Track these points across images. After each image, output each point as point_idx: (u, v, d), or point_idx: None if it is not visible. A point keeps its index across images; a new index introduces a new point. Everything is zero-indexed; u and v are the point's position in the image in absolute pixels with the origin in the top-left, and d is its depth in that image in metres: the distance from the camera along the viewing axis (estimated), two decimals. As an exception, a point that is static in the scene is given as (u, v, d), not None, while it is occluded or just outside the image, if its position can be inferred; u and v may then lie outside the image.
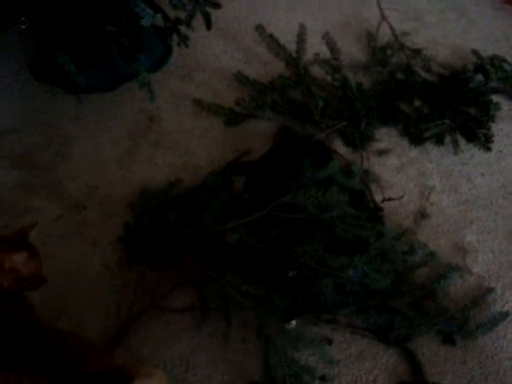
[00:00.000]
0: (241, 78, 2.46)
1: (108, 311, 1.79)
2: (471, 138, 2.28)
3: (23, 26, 2.10)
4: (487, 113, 2.32)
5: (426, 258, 1.89)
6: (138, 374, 1.05)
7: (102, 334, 1.73)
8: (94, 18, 2.09)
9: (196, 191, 2.01)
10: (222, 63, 2.62)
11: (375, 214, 1.96)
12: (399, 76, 2.54)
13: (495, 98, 2.41)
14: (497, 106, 2.35)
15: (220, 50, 2.68)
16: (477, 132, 2.27)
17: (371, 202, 2.02)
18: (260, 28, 2.38)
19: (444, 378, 1.68)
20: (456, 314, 1.76)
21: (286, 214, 1.76)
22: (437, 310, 1.76)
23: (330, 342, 1.71)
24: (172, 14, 2.22)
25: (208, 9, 2.16)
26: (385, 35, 2.70)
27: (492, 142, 2.24)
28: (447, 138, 2.29)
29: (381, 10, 2.77)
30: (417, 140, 2.30)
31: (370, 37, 2.70)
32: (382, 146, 2.28)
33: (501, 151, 2.29)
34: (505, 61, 2.52)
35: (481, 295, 1.83)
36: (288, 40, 2.40)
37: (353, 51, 2.67)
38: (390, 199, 2.03)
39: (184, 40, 2.42)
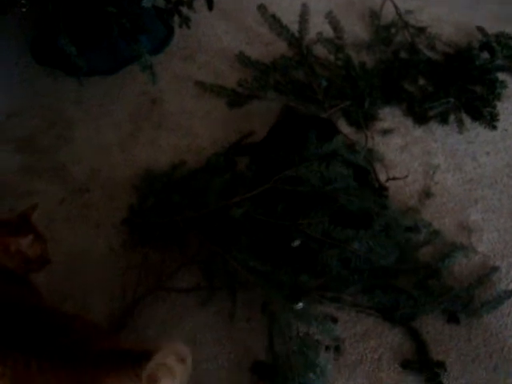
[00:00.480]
0: (243, 59, 2.44)
1: (113, 293, 1.80)
2: (476, 116, 2.27)
3: (23, 9, 2.08)
4: (493, 91, 2.30)
5: (431, 237, 1.88)
6: (157, 351, 1.05)
7: (107, 315, 1.74)
8: (95, 0, 2.08)
9: (199, 173, 2.01)
10: (224, 44, 2.59)
11: (380, 193, 1.95)
12: (403, 55, 2.51)
13: (501, 75, 2.38)
14: (503, 83, 2.32)
15: (222, 30, 2.66)
16: (482, 110, 2.26)
17: (376, 182, 2.01)
18: (262, 8, 2.35)
19: (448, 356, 1.68)
20: (461, 292, 1.76)
21: (290, 186, 1.75)
22: (441, 289, 1.76)
23: (335, 320, 1.71)
24: (173, -6, 2.20)
25: (209, -11, 2.14)
26: (388, 13, 2.66)
27: (497, 120, 2.23)
28: (452, 117, 2.27)
29: (384, -13, 2.73)
30: (421, 119, 2.28)
31: (374, 15, 2.66)
32: (385, 125, 2.27)
33: (506, 130, 2.27)
34: (511, 38, 2.48)
35: (485, 274, 1.83)
36: (290, 20, 2.37)
37: (356, 30, 2.64)
38: (394, 178, 2.02)
39: (185, 21, 2.40)
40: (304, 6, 2.35)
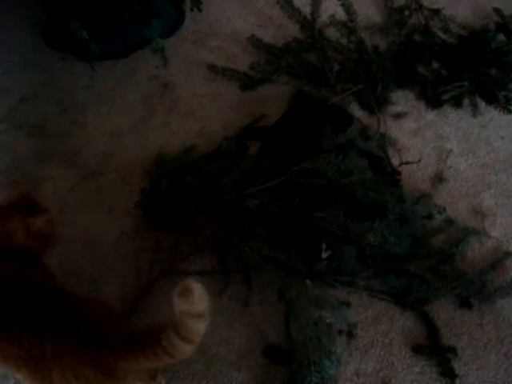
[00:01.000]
0: (255, 42, 2.43)
1: (126, 276, 1.81)
2: (491, 100, 2.24)
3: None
4: (508, 74, 2.27)
5: (445, 224, 1.87)
6: (167, 328, 1.05)
7: (119, 299, 1.75)
8: (105, -17, 2.07)
9: (211, 156, 2.01)
10: (235, 27, 2.58)
11: (392, 177, 1.94)
12: (417, 37, 2.48)
13: (517, 58, 2.34)
14: (518, 66, 2.29)
15: (233, 13, 2.64)
16: (497, 94, 2.23)
17: (388, 166, 2.00)
18: (274, -10, 2.32)
19: (460, 341, 1.68)
20: (473, 277, 1.75)
21: (306, 179, 1.75)
22: (454, 274, 1.76)
23: (348, 304, 1.71)
24: (184, -23, 2.18)
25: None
26: (402, -5, 2.62)
27: (512, 103, 2.19)
28: (466, 101, 2.25)
29: (398, -31, 2.69)
30: (434, 103, 2.26)
31: (387, -3, 2.63)
32: (398, 109, 2.25)
33: (521, 113, 2.24)
34: (528, 20, 2.45)
35: (499, 259, 1.82)
36: (303, 2, 2.34)
37: (369, 12, 2.61)
38: (407, 163, 2.02)
39: (197, 4, 2.39)
40: (317, -13, 2.32)
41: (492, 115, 2.23)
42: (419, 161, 2.05)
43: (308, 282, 1.66)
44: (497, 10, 2.49)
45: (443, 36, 2.47)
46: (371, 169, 1.79)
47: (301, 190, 1.76)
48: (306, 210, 1.70)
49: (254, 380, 1.62)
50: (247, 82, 2.32)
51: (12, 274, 1.31)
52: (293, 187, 1.77)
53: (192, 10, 2.37)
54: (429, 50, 2.40)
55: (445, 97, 2.27)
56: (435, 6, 2.57)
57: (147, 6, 2.15)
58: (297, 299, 1.63)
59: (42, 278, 1.38)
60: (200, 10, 2.36)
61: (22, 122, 2.24)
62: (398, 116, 2.22)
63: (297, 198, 1.74)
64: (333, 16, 2.42)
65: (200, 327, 1.06)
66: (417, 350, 1.66)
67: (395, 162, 2.02)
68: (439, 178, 2.04)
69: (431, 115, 2.24)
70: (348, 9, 2.39)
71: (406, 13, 2.56)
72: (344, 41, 2.41)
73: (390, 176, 1.95)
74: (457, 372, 1.61)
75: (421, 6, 2.57)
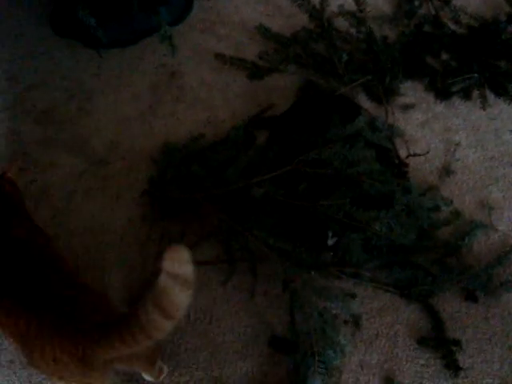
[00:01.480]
0: (263, 31, 2.41)
1: (132, 265, 1.82)
2: (500, 92, 2.22)
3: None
4: (518, 66, 2.25)
5: (451, 217, 1.87)
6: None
7: (126, 287, 1.76)
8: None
9: (219, 145, 2.01)
10: (243, 16, 2.56)
11: (400, 169, 1.93)
12: (426, 28, 2.45)
13: (528, 50, 2.32)
14: (529, 59, 2.27)
15: (242, 2, 2.62)
16: (506, 86, 2.21)
17: (396, 158, 1.99)
18: (283, -21, 2.31)
19: (465, 334, 1.68)
20: (480, 271, 1.74)
21: (312, 169, 1.74)
22: (460, 267, 1.76)
23: (353, 296, 1.72)
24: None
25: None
26: (412, -15, 2.59)
27: (522, 96, 2.18)
28: (475, 93, 2.23)
29: (409, -42, 2.66)
30: (443, 94, 2.24)
31: (397, -13, 2.60)
32: (407, 100, 2.23)
33: (531, 106, 2.23)
34: (540, 11, 2.42)
35: (505, 253, 1.81)
36: (312, -9, 2.33)
37: (378, 3, 2.58)
38: (414, 155, 2.01)
39: (205, -8, 2.37)
40: (326, -23, 2.30)
41: (501, 108, 2.21)
42: (427, 153, 2.04)
43: (313, 272, 1.67)
44: (508, 1, 2.46)
45: (453, 27, 2.44)
46: (378, 160, 1.78)
47: (307, 180, 1.75)
48: (312, 198, 1.70)
49: (258, 369, 1.63)
50: (255, 72, 2.31)
51: (25, 233, 1.38)
52: (299, 177, 1.76)
53: (200, -3, 2.36)
54: (438, 41, 2.38)
55: (454, 89, 2.25)
56: (446, -4, 2.55)
57: (155, -6, 2.14)
58: (302, 290, 1.64)
59: (43, 240, 1.42)
60: (208, -2, 2.35)
61: (30, 109, 2.24)
62: (407, 107, 2.20)
63: (302, 185, 1.73)
64: (342, 6, 2.40)
65: (183, 299, 0.99)
66: (421, 342, 1.67)
67: (403, 153, 2.01)
68: (447, 171, 2.03)
69: (440, 107, 2.22)
70: (357, -2, 2.38)
71: (416, 3, 2.53)
72: (353, 31, 2.39)
73: (397, 168, 1.95)
74: (461, 365, 1.62)
75: (431, -4, 2.54)
